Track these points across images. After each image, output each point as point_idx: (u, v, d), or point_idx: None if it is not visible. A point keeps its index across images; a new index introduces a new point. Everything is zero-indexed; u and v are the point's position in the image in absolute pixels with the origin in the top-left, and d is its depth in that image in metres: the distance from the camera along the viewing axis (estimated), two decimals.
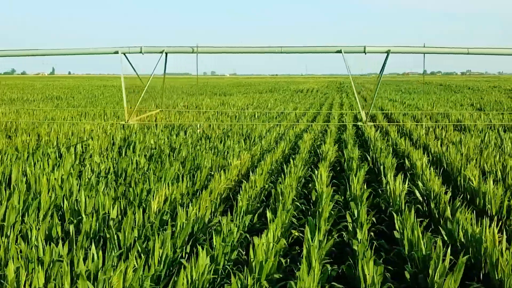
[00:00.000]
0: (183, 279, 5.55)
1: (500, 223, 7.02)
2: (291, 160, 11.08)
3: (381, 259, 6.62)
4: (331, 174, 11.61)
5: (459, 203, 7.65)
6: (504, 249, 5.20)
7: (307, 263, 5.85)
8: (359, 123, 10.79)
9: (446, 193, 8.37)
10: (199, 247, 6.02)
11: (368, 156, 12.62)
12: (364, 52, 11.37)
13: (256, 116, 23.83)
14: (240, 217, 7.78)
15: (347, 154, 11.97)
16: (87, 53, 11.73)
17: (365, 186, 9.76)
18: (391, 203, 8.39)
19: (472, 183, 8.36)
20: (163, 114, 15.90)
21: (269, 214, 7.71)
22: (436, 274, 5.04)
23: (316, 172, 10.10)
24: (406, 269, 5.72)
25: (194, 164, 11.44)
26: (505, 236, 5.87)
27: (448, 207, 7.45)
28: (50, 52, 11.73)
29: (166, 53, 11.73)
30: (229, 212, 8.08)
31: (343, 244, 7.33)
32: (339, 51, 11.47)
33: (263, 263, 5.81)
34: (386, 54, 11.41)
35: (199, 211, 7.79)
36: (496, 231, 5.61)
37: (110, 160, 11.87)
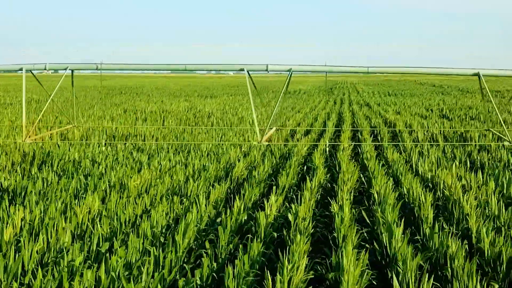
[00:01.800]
0: None
1: None
2: (190, 179, 11.06)
3: None
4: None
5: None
6: None
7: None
8: (254, 142, 10.73)
9: None
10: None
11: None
12: (267, 70, 11.35)
13: (215, 122, 23.78)
14: (94, 244, 7.78)
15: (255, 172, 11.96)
16: None
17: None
18: None
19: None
20: (76, 130, 15.71)
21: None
22: None
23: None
24: None
25: (98, 180, 11.40)
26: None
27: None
28: None
29: (72, 70, 11.72)
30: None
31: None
32: (242, 69, 11.47)
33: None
34: (289, 72, 11.38)
35: (50, 239, 7.77)
36: None
37: (19, 176, 11.86)
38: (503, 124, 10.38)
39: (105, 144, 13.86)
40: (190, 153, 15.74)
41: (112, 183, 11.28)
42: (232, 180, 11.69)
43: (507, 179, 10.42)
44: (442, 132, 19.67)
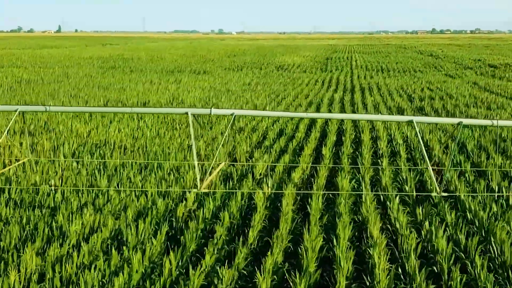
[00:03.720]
0: None
1: None
2: (133, 225, 11.39)
3: None
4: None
5: None
6: None
7: None
8: (194, 190, 11.02)
9: None
10: None
11: None
12: (210, 114, 11.63)
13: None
14: None
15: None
16: None
17: None
18: None
19: None
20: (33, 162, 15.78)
21: None
22: None
23: None
24: None
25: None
26: None
27: None
28: None
29: (23, 112, 12.04)
30: None
31: None
32: (186, 113, 11.76)
33: None
34: (232, 116, 11.66)
35: None
36: None
37: None
38: (432, 176, 10.65)
39: (55, 187, 13.83)
40: (153, 167, 16.00)
41: (59, 223, 11.51)
42: (177, 219, 11.95)
43: (436, 228, 10.69)
44: (407, 139, 19.87)
